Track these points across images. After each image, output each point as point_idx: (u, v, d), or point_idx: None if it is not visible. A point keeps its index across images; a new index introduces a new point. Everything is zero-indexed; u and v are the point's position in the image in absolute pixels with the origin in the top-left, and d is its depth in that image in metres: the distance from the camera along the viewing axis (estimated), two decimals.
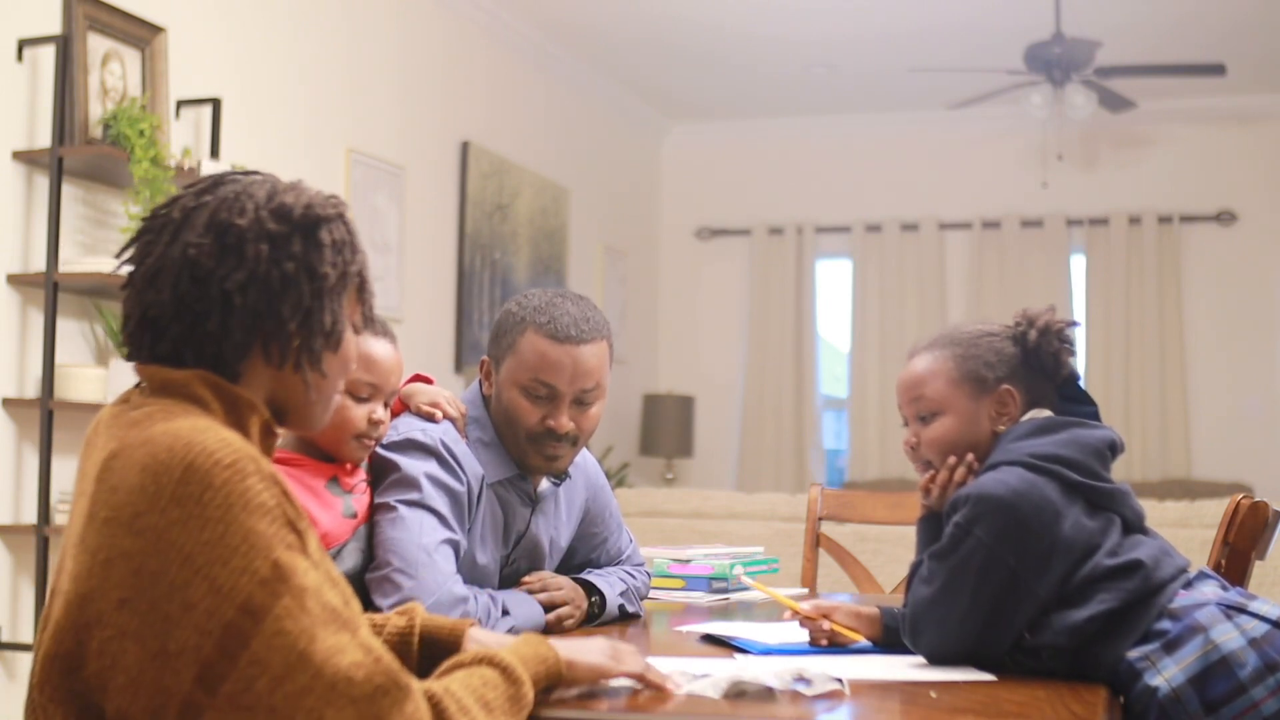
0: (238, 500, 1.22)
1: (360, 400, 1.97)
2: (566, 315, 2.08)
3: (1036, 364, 1.93)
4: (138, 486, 1.24)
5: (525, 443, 2.10)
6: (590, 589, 2.20)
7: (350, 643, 1.23)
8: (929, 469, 1.94)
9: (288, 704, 1.19)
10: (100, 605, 1.24)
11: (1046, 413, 1.94)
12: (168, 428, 1.27)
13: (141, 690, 1.21)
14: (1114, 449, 1.88)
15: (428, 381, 2.21)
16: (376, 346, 1.98)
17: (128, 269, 1.41)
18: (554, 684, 1.47)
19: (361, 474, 2.04)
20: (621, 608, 2.24)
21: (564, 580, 2.16)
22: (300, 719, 1.19)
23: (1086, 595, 1.77)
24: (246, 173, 1.44)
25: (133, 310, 1.38)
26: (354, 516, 1.98)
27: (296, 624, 1.20)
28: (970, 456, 1.91)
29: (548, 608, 2.09)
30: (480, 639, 1.62)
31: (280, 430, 1.44)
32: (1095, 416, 1.93)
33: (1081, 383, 1.97)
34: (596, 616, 2.19)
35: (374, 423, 1.97)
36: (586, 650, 1.53)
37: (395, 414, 2.15)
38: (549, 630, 2.06)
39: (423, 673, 1.48)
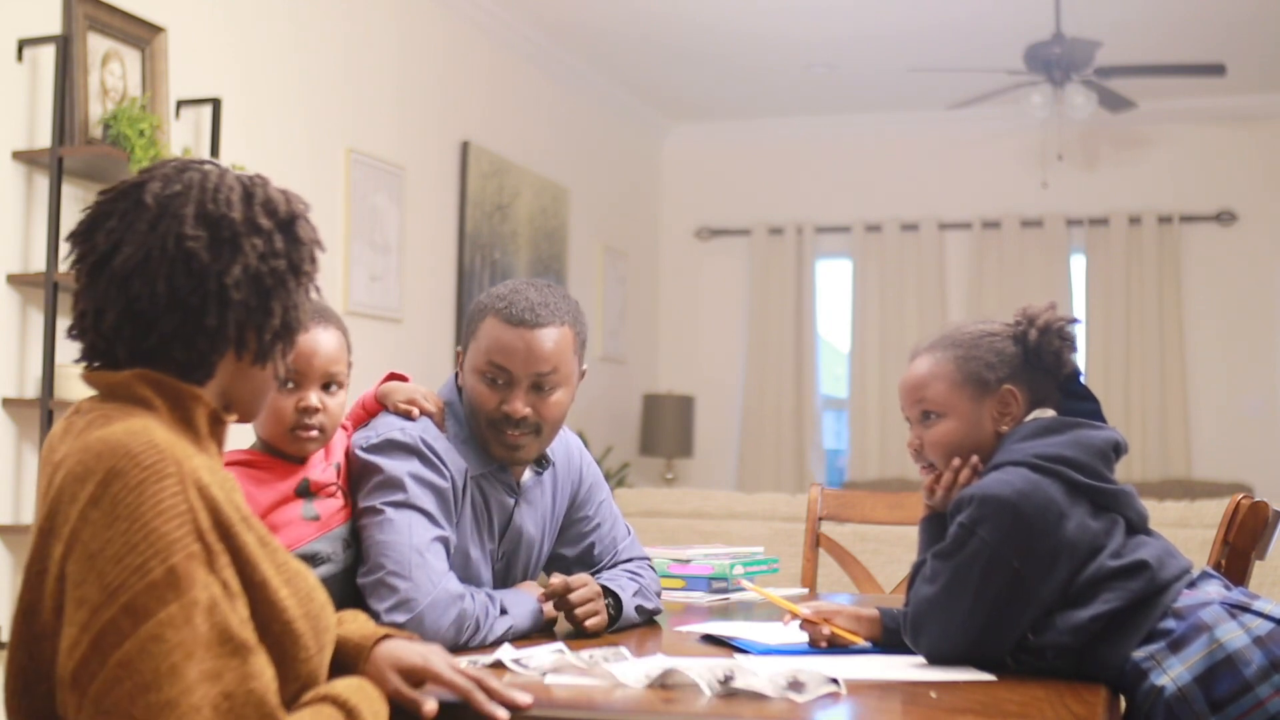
0: (148, 500, 1.19)
1: (288, 390, 1.90)
2: (524, 300, 2.08)
3: (1038, 363, 1.93)
4: (69, 496, 1.22)
5: (486, 430, 2.09)
6: (604, 592, 2.16)
7: (229, 671, 1.18)
8: (933, 470, 1.94)
9: (147, 715, 1.14)
10: (45, 617, 1.23)
11: (1050, 412, 1.94)
12: (102, 434, 1.25)
13: (53, 694, 1.20)
14: (1118, 450, 1.89)
15: (403, 379, 2.19)
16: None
17: (78, 257, 1.36)
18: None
19: (333, 475, 2.00)
20: (639, 608, 2.20)
21: (585, 576, 2.13)
22: None
23: (1091, 595, 1.77)
24: (199, 161, 1.42)
25: (112, 303, 1.32)
26: (316, 519, 1.94)
27: (177, 635, 1.16)
28: (975, 458, 1.91)
29: (575, 604, 2.06)
30: (398, 652, 1.51)
31: (229, 418, 1.41)
32: (1097, 412, 1.93)
33: (1083, 379, 1.97)
34: (614, 620, 2.15)
35: (304, 409, 1.91)
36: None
37: (372, 414, 2.14)
38: (574, 634, 2.04)
39: None
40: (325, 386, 1.95)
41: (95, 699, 1.15)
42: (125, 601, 1.16)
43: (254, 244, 1.35)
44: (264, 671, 1.21)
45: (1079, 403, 1.94)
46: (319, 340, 1.94)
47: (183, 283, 1.31)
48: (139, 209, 1.34)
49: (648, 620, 2.25)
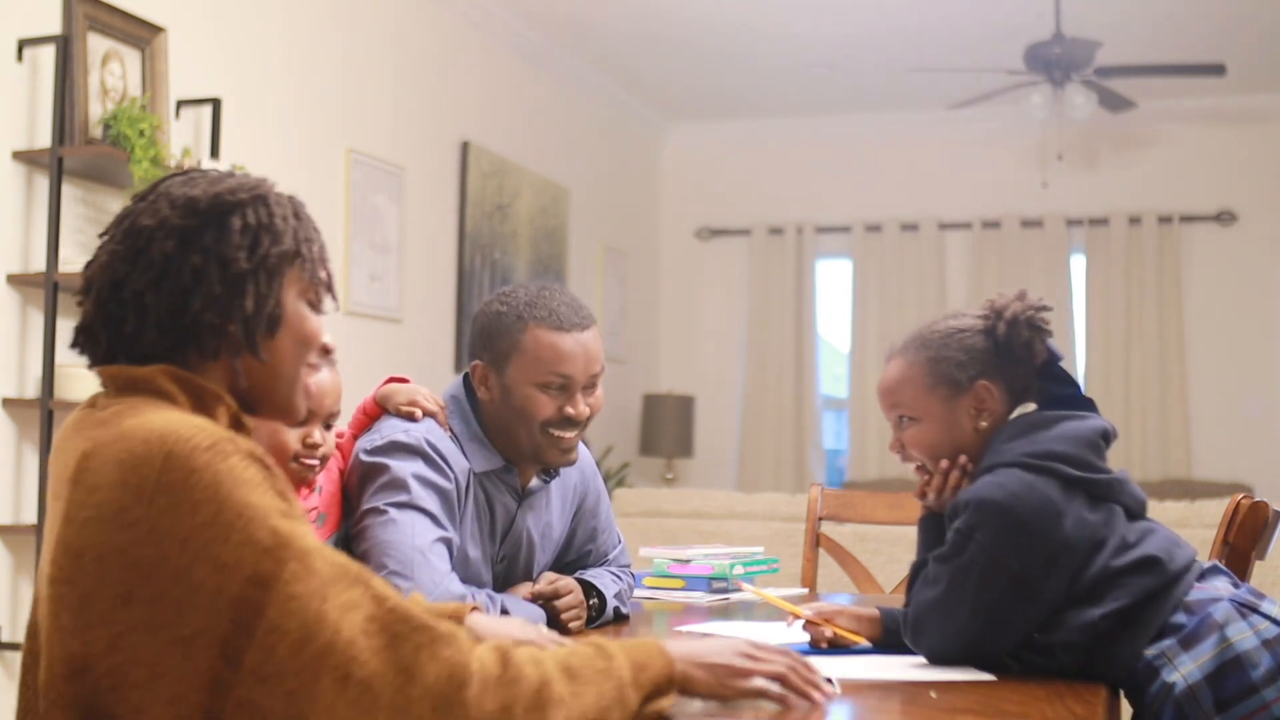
0: (225, 478, 1.22)
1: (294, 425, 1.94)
2: (563, 305, 2.10)
3: (1010, 355, 1.91)
4: (118, 482, 1.23)
5: (540, 437, 2.10)
6: (589, 589, 2.19)
7: (363, 596, 1.22)
8: (925, 471, 1.94)
9: (311, 666, 1.18)
10: (102, 604, 1.22)
11: (1032, 406, 1.94)
12: (139, 422, 1.27)
13: (163, 680, 1.20)
14: (1106, 437, 1.88)
15: (402, 382, 2.20)
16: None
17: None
18: (664, 682, 1.38)
19: (315, 500, 2.02)
20: (616, 609, 2.24)
21: (571, 582, 2.16)
22: (326, 679, 1.18)
23: (1101, 592, 1.77)
24: (191, 171, 1.43)
25: (80, 318, 1.40)
26: None
27: (306, 586, 1.20)
28: (963, 458, 1.90)
29: (560, 610, 2.09)
30: (481, 625, 1.59)
31: (251, 421, 1.41)
32: (1077, 395, 1.93)
33: (1062, 362, 1.95)
34: (594, 619, 2.18)
35: (310, 445, 1.94)
36: (709, 650, 1.43)
37: (373, 418, 2.14)
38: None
39: None
40: (327, 422, 1.99)
41: (253, 669, 1.18)
42: (248, 575, 1.19)
43: (165, 247, 1.35)
44: (386, 586, 1.25)
45: (1059, 387, 1.94)
46: (331, 381, 1.96)
47: (108, 295, 1.36)
48: (107, 233, 1.41)
49: (621, 619, 2.28)
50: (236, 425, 1.38)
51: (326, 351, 1.46)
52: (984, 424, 1.90)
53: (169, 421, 1.26)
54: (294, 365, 1.42)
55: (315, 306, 1.44)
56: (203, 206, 1.37)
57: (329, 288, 1.45)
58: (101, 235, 1.41)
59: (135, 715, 1.21)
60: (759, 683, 1.44)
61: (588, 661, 1.31)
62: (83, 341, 1.39)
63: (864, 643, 1.92)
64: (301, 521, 1.25)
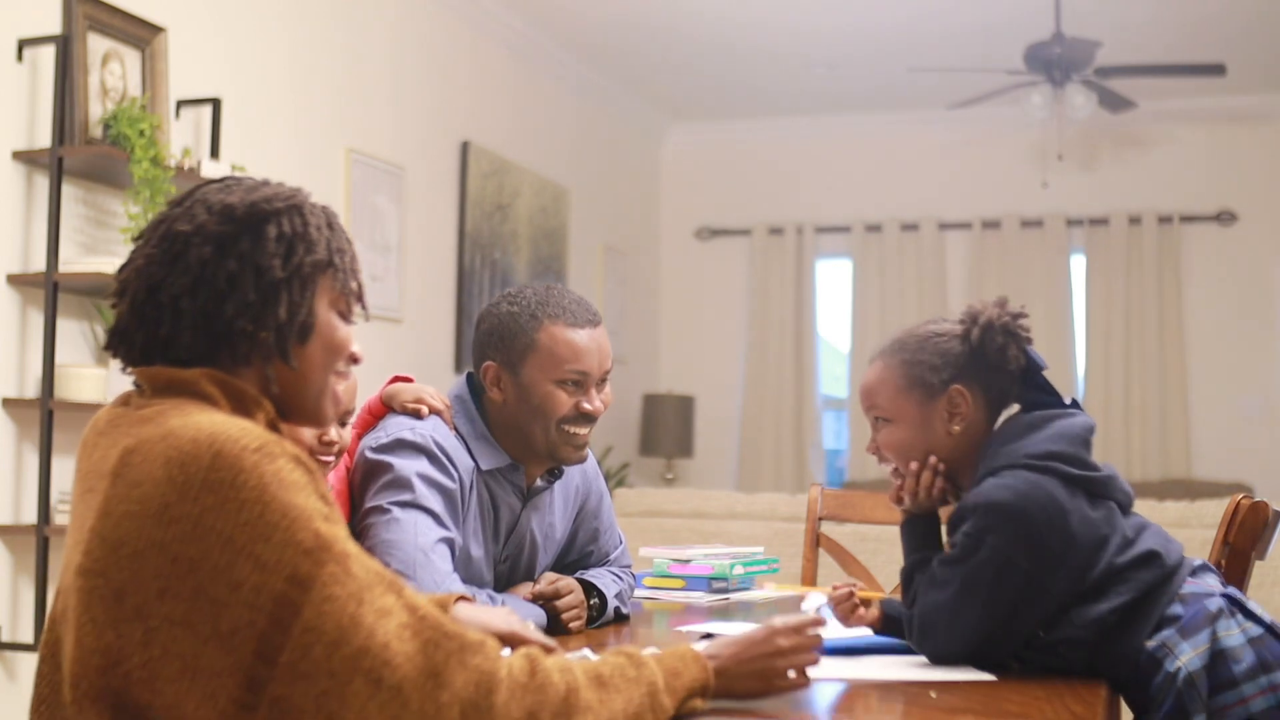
0: (271, 480, 1.24)
1: None
2: (574, 303, 2.15)
3: (984, 360, 1.93)
4: (164, 479, 1.24)
5: (556, 433, 2.12)
6: (589, 589, 2.19)
7: (396, 603, 1.25)
8: (899, 475, 1.96)
9: (345, 667, 1.20)
10: (138, 598, 1.23)
11: (1016, 408, 1.96)
12: (186, 422, 1.28)
13: (199, 675, 1.21)
14: (1091, 434, 1.91)
15: (407, 381, 2.20)
16: None
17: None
18: (699, 688, 1.43)
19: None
20: (616, 609, 2.24)
21: (572, 582, 2.16)
22: (358, 681, 1.20)
23: (1106, 588, 1.79)
24: (227, 178, 1.44)
25: (114, 321, 1.42)
26: None
27: (344, 589, 1.22)
28: (933, 459, 1.92)
29: (561, 610, 2.09)
30: (465, 615, 1.60)
31: (283, 425, 1.43)
32: (1058, 404, 1.94)
33: (1045, 371, 1.96)
34: (595, 619, 2.18)
35: (325, 443, 1.95)
36: (746, 653, 1.50)
37: (378, 417, 2.15)
38: (554, 633, 2.06)
39: None
40: (342, 419, 2.00)
41: (288, 667, 1.20)
42: (288, 574, 1.21)
43: (202, 252, 1.36)
44: (418, 595, 1.28)
45: (1041, 395, 1.95)
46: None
47: (144, 299, 1.37)
48: (141, 237, 1.43)
49: (621, 619, 2.28)
50: (273, 429, 1.40)
51: (355, 360, 1.48)
52: (957, 428, 1.91)
53: (216, 422, 1.27)
54: (323, 373, 1.44)
55: (345, 316, 1.46)
56: (239, 214, 1.38)
57: (359, 297, 1.48)
58: (136, 239, 1.43)
59: (169, 709, 1.22)
60: (797, 676, 1.53)
61: (617, 670, 1.35)
62: (117, 344, 1.40)
63: (885, 596, 1.95)
64: (341, 525, 1.27)
